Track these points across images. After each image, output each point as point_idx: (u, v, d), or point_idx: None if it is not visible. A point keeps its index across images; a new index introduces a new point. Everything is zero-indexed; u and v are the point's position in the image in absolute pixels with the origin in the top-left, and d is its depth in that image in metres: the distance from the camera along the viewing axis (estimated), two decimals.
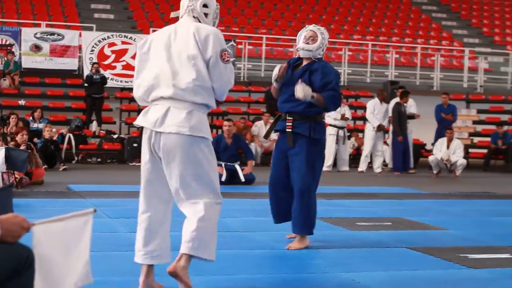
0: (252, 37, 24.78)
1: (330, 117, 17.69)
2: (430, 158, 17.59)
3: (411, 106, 18.42)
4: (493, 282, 5.78)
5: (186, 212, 4.89)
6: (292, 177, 6.97)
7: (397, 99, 17.82)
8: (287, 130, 6.97)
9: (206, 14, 5.18)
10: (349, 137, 18.78)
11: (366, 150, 17.80)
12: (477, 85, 25.04)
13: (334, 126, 17.73)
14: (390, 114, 17.65)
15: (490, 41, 29.92)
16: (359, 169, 17.71)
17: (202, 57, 4.93)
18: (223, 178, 12.88)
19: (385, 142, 18.55)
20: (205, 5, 5.17)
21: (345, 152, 18.06)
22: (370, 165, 17.99)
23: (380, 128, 17.60)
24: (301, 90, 6.83)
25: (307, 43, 7.10)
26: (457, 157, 17.23)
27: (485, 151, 20.62)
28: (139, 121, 5.03)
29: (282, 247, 6.87)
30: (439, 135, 18.73)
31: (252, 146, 17.56)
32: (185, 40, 4.97)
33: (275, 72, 7.15)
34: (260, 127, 18.92)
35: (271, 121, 19.21)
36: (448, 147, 17.27)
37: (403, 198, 11.74)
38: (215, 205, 4.91)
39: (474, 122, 21.82)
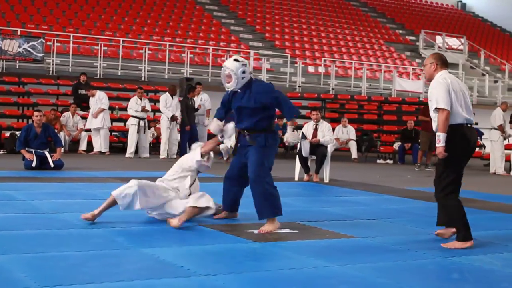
0: (60, 35, 24.08)
1: (132, 109, 17.59)
2: (221, 146, 17.74)
3: (205, 100, 18.59)
4: (274, 253, 5.93)
5: None
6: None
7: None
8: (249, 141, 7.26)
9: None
10: (149, 127, 18.68)
11: (163, 139, 17.82)
12: None
13: (136, 117, 17.62)
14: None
15: (271, 45, 30.77)
16: (161, 156, 17.71)
17: None
18: (34, 164, 12.59)
19: None
20: None
21: (145, 140, 17.99)
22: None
23: (173, 119, 17.64)
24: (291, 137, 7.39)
25: (228, 83, 7.22)
26: None
27: None
28: None
29: (89, 227, 6.73)
30: None
31: (61, 135, 17.15)
32: None
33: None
34: (68, 117, 18.48)
35: (78, 111, 18.88)
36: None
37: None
38: None
39: None
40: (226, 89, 7.35)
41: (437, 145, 6.44)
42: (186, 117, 17.33)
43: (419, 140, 19.17)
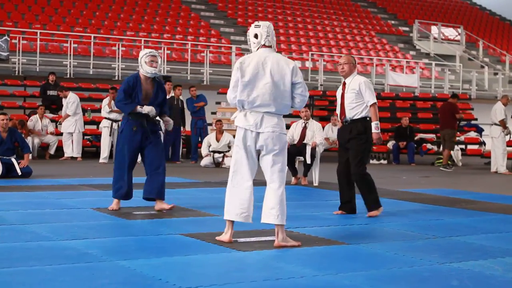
0: (27, 32, 24.00)
1: (105, 111, 17.54)
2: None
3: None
4: (259, 263, 5.93)
5: None
6: None
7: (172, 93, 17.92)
8: None
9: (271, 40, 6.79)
10: None
11: None
12: None
13: (109, 119, 17.57)
14: None
15: None
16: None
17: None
18: None
19: None
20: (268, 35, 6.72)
21: None
22: None
23: None
24: None
25: None
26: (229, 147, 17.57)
27: None
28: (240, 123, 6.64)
29: (59, 239, 6.72)
30: (194, 126, 18.78)
31: (29, 140, 17.08)
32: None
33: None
34: (35, 121, 18.39)
35: (47, 114, 18.82)
36: (218, 139, 17.45)
37: (175, 188, 11.78)
38: None
39: None
40: None
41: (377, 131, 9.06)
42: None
43: (439, 139, 19.43)
